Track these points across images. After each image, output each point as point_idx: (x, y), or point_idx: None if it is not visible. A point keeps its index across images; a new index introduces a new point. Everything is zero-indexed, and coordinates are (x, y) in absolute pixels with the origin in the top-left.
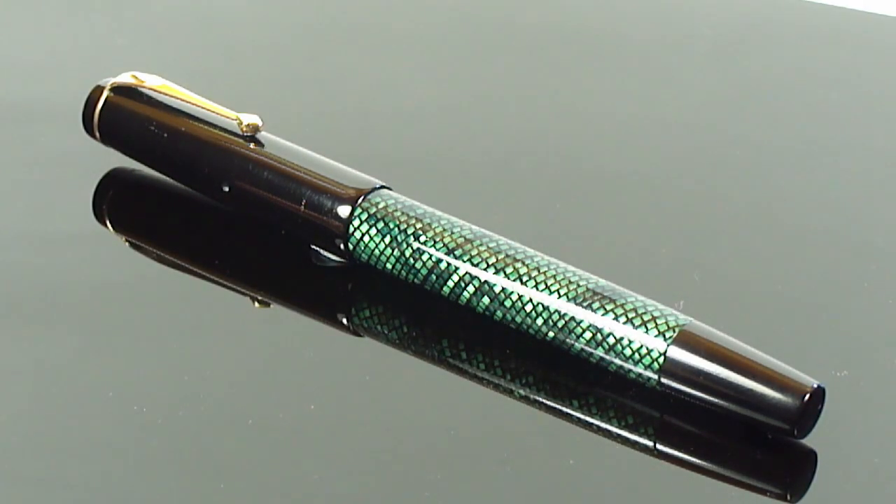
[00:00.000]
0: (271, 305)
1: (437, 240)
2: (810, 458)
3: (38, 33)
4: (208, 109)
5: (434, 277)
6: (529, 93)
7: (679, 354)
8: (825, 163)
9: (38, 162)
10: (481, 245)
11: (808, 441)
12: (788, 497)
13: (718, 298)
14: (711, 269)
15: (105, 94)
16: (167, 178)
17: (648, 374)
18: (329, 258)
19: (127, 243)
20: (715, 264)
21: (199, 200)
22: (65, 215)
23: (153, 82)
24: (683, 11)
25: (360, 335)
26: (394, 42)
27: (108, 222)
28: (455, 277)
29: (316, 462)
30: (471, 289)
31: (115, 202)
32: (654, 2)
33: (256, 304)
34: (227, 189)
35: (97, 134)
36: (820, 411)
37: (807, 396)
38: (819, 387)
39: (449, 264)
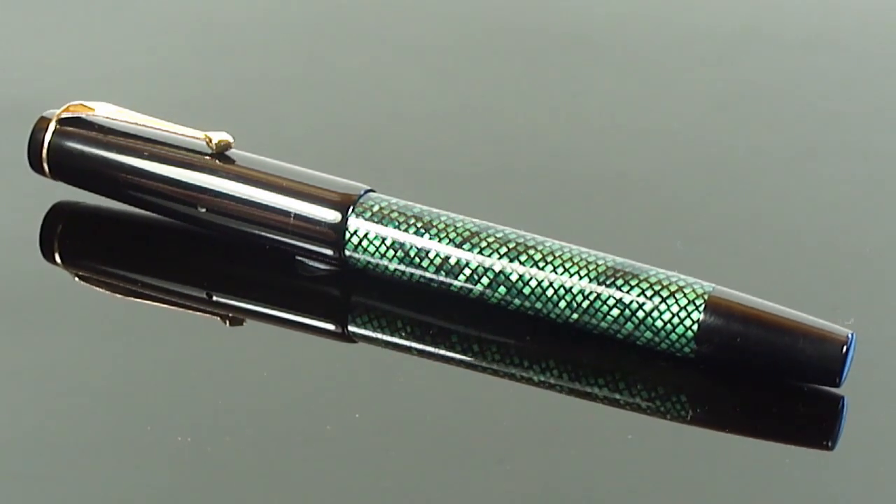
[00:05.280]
0: (268, 319)
1: (443, 236)
2: (843, 404)
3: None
4: (171, 132)
5: (443, 274)
6: (525, 95)
7: (713, 320)
8: (823, 164)
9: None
10: (489, 236)
11: (840, 389)
12: (830, 445)
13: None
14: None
15: (52, 125)
16: (119, 206)
17: (682, 343)
18: (317, 267)
19: (76, 278)
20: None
21: (159, 226)
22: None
23: (105, 110)
24: (683, 12)
25: (354, 341)
26: (374, 42)
27: (58, 257)
28: (467, 271)
29: (331, 469)
30: (485, 280)
31: (67, 236)
32: (654, 2)
33: (227, 324)
34: (203, 210)
35: (46, 168)
36: (850, 359)
37: (844, 346)
38: (852, 335)
39: (459, 259)
